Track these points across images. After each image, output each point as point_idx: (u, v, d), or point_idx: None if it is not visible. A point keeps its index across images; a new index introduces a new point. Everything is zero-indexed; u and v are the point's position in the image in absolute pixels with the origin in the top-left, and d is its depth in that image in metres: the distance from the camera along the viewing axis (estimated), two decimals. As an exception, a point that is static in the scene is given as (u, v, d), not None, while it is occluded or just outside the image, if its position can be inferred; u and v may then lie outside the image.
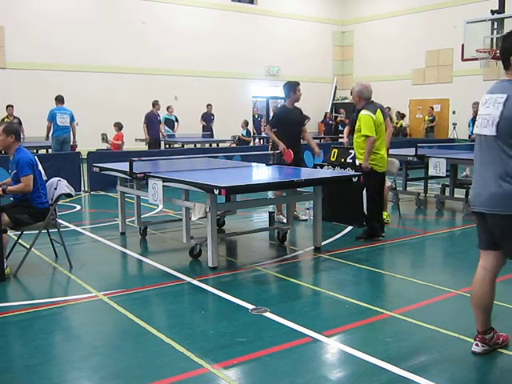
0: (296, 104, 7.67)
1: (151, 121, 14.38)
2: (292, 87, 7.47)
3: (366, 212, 6.72)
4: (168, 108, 16.67)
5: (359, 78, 23.46)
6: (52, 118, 11.69)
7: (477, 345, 3.44)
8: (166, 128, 16.47)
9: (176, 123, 16.93)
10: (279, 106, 8.16)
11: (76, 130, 12.16)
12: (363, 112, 6.40)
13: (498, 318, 4.18)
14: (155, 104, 14.45)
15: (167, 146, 16.65)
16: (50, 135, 11.79)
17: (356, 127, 6.51)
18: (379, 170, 6.50)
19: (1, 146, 5.42)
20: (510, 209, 3.12)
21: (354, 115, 7.67)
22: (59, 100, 11.87)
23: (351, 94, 6.69)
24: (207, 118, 18.41)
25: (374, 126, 6.28)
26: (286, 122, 7.50)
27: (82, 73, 17.77)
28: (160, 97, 18.15)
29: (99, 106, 17.55)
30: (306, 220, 7.79)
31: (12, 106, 14.44)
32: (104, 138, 14.19)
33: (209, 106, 18.43)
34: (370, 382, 3.12)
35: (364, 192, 6.62)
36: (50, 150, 12.37)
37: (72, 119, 11.88)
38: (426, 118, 19.93)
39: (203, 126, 18.30)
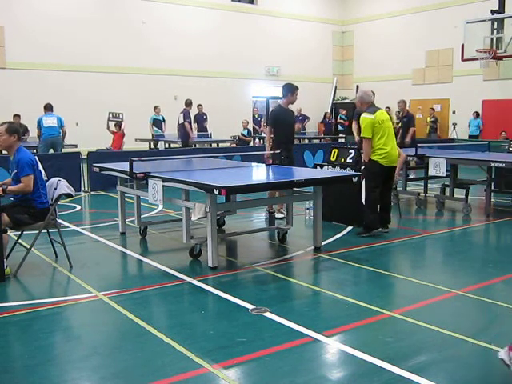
0: (295, 103, 7.89)
1: (190, 119, 14.48)
2: (291, 89, 7.69)
3: (363, 202, 6.87)
4: (155, 108, 16.63)
5: (359, 77, 23.50)
6: (39, 123, 11.76)
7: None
8: (155, 128, 16.47)
9: (163, 123, 16.92)
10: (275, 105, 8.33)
11: (66, 134, 12.23)
12: (362, 115, 6.82)
13: (499, 318, 4.19)
14: (190, 103, 14.47)
15: (167, 145, 16.65)
16: (40, 138, 11.82)
17: None
18: (385, 164, 6.73)
19: (3, 145, 5.40)
20: None
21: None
22: (47, 108, 11.94)
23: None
24: (200, 118, 18.31)
25: (371, 127, 6.66)
26: (281, 122, 7.71)
27: (81, 73, 17.78)
28: (160, 97, 18.29)
29: (99, 105, 17.53)
30: (282, 218, 7.79)
31: (19, 116, 14.30)
32: (114, 116, 14.01)
33: (199, 106, 18.36)
34: (369, 382, 3.12)
35: (363, 183, 6.73)
36: (39, 151, 12.21)
37: (61, 124, 11.89)
38: (428, 119, 19.89)
39: (197, 127, 18.22)
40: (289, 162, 7.57)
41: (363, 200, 6.87)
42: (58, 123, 11.81)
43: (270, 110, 9.03)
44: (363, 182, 6.75)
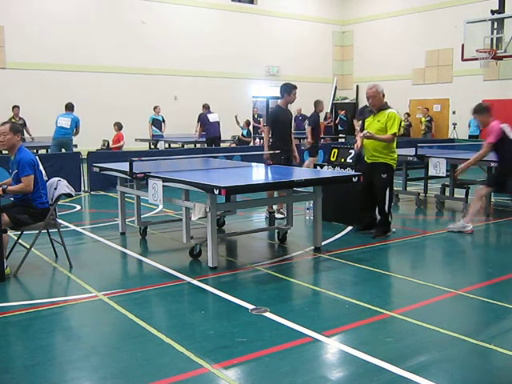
0: (295, 103, 7.93)
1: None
2: (288, 89, 7.70)
3: (386, 209, 6.74)
4: (155, 108, 16.59)
5: (359, 77, 23.49)
6: (56, 122, 11.76)
7: None
8: (154, 128, 16.44)
9: (163, 123, 16.90)
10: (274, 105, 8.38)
11: (78, 134, 12.18)
12: (392, 110, 6.59)
13: (499, 318, 4.19)
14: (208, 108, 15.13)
15: (167, 145, 16.62)
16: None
17: (379, 126, 6.55)
18: (395, 166, 6.85)
19: (7, 144, 5.36)
20: None
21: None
22: (68, 107, 11.92)
23: (367, 95, 6.65)
24: (204, 118, 18.24)
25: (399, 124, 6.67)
26: (280, 122, 7.76)
27: (81, 73, 17.77)
28: (160, 97, 18.27)
29: (99, 105, 17.54)
30: (282, 219, 7.80)
31: (18, 107, 14.38)
32: (105, 145, 14.25)
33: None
34: (369, 382, 3.12)
35: (387, 191, 6.70)
36: (50, 151, 12.35)
37: (76, 124, 11.84)
38: (423, 119, 19.93)
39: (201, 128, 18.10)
40: (288, 163, 7.60)
41: (386, 206, 6.70)
42: (71, 124, 11.76)
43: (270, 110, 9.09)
44: (387, 189, 6.66)
